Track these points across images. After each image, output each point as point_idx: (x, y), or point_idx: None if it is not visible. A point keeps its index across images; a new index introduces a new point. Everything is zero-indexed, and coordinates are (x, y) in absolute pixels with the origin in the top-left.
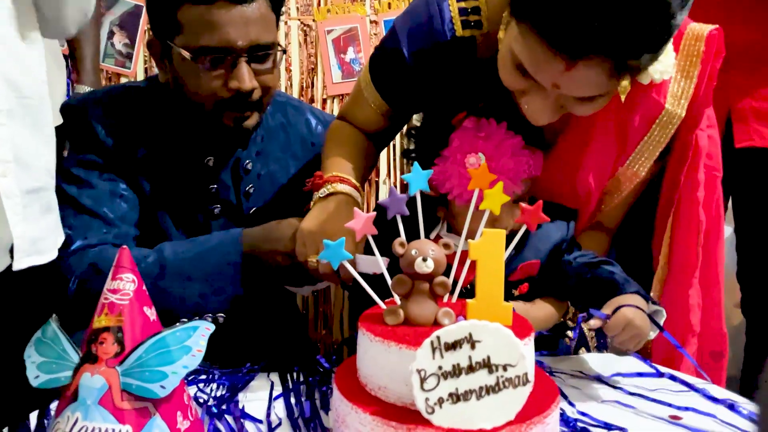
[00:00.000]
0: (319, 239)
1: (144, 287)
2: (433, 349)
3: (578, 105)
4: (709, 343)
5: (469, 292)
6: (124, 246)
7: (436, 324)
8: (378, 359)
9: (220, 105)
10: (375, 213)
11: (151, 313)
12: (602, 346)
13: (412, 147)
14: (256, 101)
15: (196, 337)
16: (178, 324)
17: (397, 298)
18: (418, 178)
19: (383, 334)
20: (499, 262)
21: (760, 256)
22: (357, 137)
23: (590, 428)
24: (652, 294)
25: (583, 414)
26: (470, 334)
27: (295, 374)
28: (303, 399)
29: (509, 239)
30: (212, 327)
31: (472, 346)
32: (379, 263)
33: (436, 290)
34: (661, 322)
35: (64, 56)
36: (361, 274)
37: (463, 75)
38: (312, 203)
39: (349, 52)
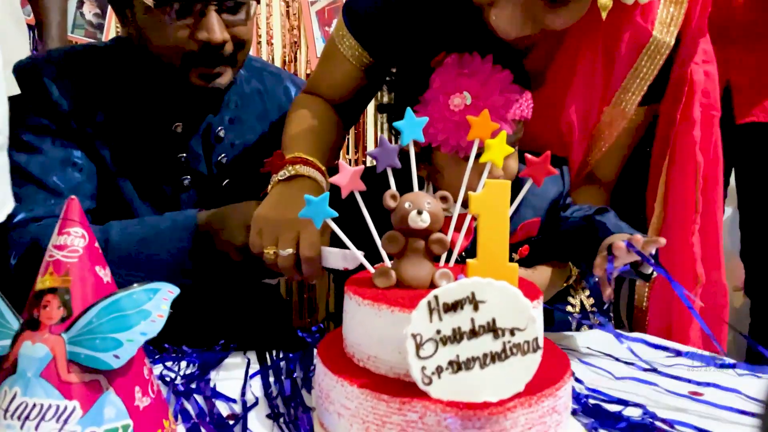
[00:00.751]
0: (277, 228)
1: (96, 244)
2: (431, 311)
3: (550, 14)
4: (709, 296)
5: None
6: (73, 196)
7: (433, 286)
8: (367, 325)
9: (187, 60)
10: (363, 167)
11: (104, 273)
12: (604, 322)
13: (386, 101)
14: (229, 56)
15: (156, 300)
16: (135, 285)
17: (387, 260)
18: (412, 126)
19: (373, 297)
20: (504, 217)
21: (765, 234)
22: (324, 112)
23: (604, 405)
24: None
25: (594, 391)
26: (473, 294)
27: (273, 352)
28: (282, 377)
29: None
30: (176, 290)
31: (475, 308)
32: (349, 256)
33: (433, 248)
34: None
35: (30, 27)
36: (331, 270)
37: (442, 8)
38: (270, 187)
39: (334, 24)
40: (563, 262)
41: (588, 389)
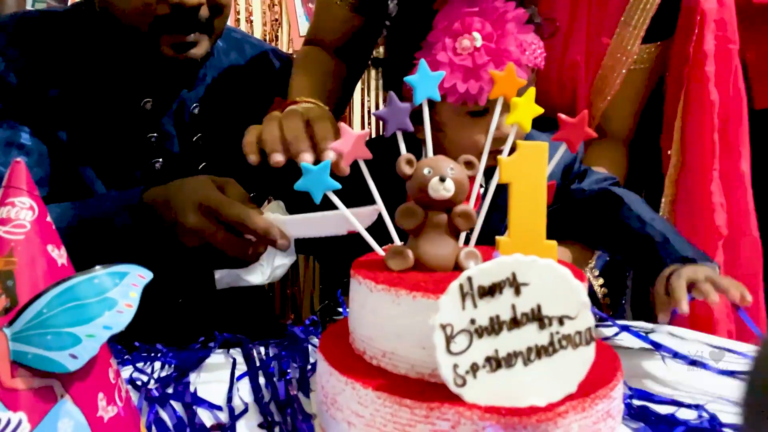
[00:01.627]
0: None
1: (48, 218)
2: (463, 296)
3: None
4: (740, 260)
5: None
6: (19, 159)
7: (458, 269)
8: (382, 315)
9: (157, 25)
10: (369, 131)
11: (59, 254)
12: (621, 310)
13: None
14: (205, 23)
15: (124, 286)
16: (97, 267)
17: (396, 239)
18: (427, 81)
19: (389, 281)
20: (540, 186)
21: None
22: (326, 59)
23: (651, 406)
24: (664, 199)
25: (639, 392)
26: (513, 275)
27: (263, 349)
28: (275, 379)
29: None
30: (148, 274)
31: (517, 291)
32: (360, 214)
33: (457, 223)
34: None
35: None
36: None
37: None
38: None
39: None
40: (581, 241)
41: (633, 389)
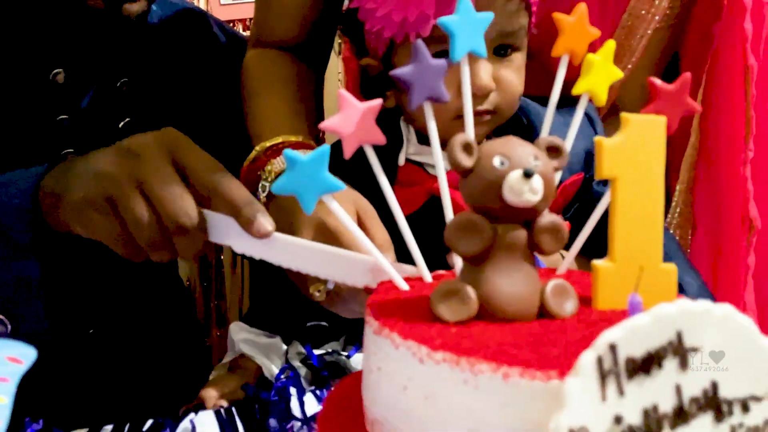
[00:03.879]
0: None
1: None
2: (603, 377)
3: None
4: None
5: None
6: None
7: (546, 316)
8: (444, 403)
9: None
10: (381, 100)
11: None
12: None
13: None
14: None
15: None
16: None
17: (424, 268)
18: (471, 26)
19: (452, 344)
20: (658, 182)
21: None
22: (288, 64)
23: None
24: (679, 186)
25: None
26: (679, 336)
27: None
28: None
29: None
30: (30, 354)
31: (683, 363)
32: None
33: (542, 243)
34: None
35: None
36: None
37: None
38: (264, 200)
39: None
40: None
41: None
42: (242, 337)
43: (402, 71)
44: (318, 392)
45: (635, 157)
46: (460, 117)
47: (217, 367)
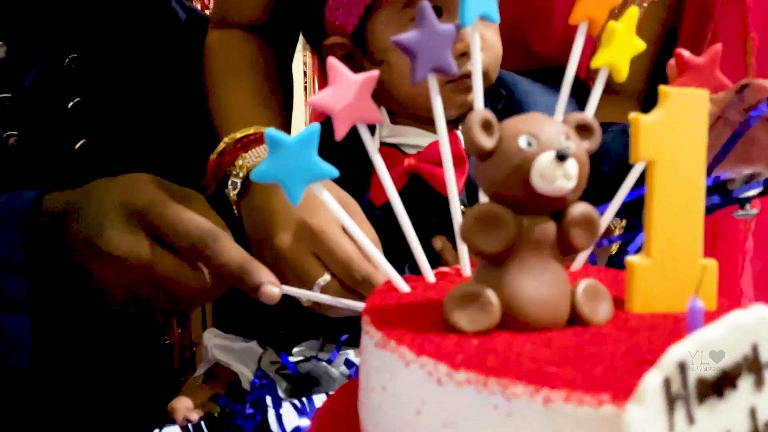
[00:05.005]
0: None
1: None
2: (671, 403)
3: None
4: None
5: None
6: None
7: (577, 322)
8: (465, 429)
9: None
10: (376, 72)
11: None
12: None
13: None
14: None
15: None
16: None
17: (427, 268)
18: None
19: (475, 361)
20: (700, 164)
21: None
22: (256, 50)
23: None
24: None
25: None
26: (755, 349)
27: None
28: None
29: None
30: None
31: (758, 380)
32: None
33: (574, 238)
34: None
35: None
36: None
37: None
38: (234, 204)
39: None
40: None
41: None
42: (215, 343)
43: (406, 37)
44: (297, 403)
45: (675, 136)
46: (447, 83)
47: (191, 379)
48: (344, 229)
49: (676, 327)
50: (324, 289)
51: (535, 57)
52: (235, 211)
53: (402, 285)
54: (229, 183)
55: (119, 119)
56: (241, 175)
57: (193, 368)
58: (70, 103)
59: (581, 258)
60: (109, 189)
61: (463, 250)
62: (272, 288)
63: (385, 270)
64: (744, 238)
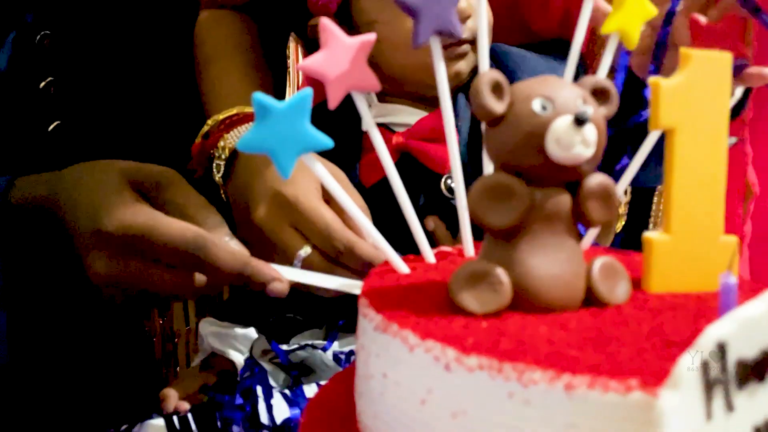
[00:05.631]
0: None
1: None
2: (709, 388)
3: None
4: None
5: None
6: None
7: (594, 303)
8: (480, 425)
9: None
10: (373, 36)
11: None
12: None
13: None
14: None
15: None
16: None
17: (425, 245)
18: None
19: (487, 345)
20: (722, 134)
21: None
22: (246, 30)
23: None
24: None
25: None
26: None
27: None
28: None
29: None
30: None
31: None
32: None
33: (590, 211)
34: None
35: None
36: None
37: None
38: (221, 188)
39: None
40: None
41: None
42: (211, 331)
43: None
44: (288, 394)
45: (697, 102)
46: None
47: (189, 368)
48: (330, 201)
49: (701, 307)
50: (306, 263)
51: (533, 35)
52: (223, 196)
53: (401, 266)
54: (213, 167)
55: (96, 100)
56: (223, 156)
57: (175, 359)
58: (43, 83)
59: (590, 235)
60: (78, 212)
61: (465, 227)
62: (277, 284)
63: (383, 249)
64: (743, 222)
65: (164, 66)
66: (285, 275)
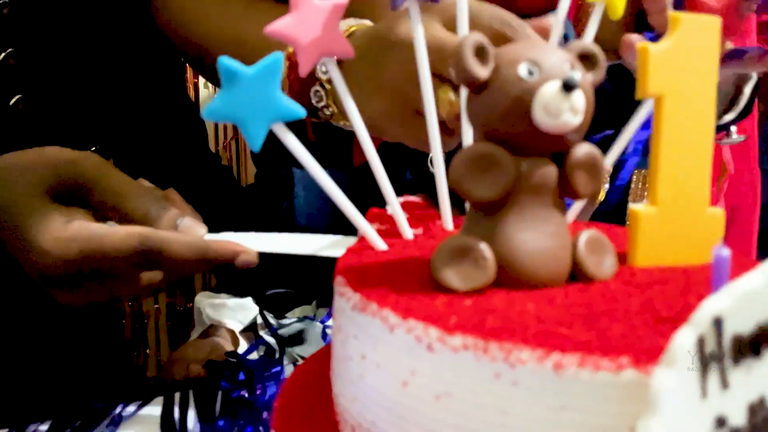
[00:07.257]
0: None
1: None
2: (705, 365)
3: None
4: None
5: None
6: None
7: (580, 279)
8: (464, 408)
9: None
10: None
11: None
12: None
13: None
14: None
15: None
16: None
17: (402, 219)
18: None
19: (472, 324)
20: (710, 98)
21: None
22: None
23: None
24: None
25: None
26: None
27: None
28: None
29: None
30: None
31: None
32: None
33: (577, 183)
34: None
35: None
36: None
37: None
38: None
39: None
40: None
41: None
42: (208, 302)
43: None
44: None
45: (686, 69)
46: None
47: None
48: None
49: (689, 281)
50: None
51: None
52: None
53: (378, 242)
54: (312, 94)
55: (60, 73)
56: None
57: (144, 341)
58: (2, 54)
59: (575, 208)
60: (14, 250)
61: (445, 202)
62: (244, 256)
63: (359, 226)
64: (716, 199)
65: (125, 37)
66: (249, 245)
